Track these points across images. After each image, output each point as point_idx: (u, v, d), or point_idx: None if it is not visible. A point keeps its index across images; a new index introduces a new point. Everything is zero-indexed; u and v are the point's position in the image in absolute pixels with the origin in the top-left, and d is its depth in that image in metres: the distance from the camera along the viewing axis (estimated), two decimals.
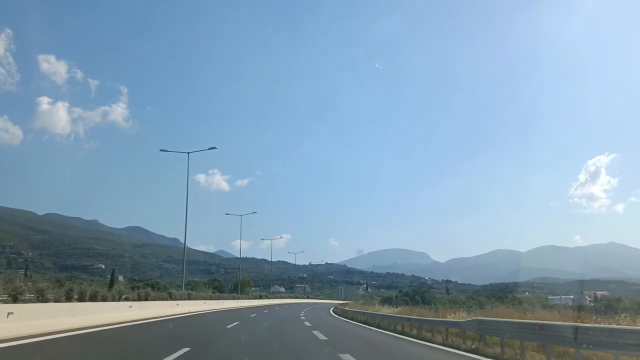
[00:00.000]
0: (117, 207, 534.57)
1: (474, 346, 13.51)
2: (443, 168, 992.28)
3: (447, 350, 13.40)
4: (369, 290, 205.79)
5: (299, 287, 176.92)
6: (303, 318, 30.29)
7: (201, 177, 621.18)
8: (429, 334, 17.24)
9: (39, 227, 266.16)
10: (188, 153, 37.55)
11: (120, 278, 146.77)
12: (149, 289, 26.38)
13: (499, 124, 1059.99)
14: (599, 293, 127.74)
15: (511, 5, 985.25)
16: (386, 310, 34.07)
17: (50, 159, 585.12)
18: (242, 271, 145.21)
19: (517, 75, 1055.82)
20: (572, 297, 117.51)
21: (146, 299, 23.14)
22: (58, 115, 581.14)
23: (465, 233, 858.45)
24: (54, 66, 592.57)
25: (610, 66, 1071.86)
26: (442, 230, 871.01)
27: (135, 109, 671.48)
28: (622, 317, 13.57)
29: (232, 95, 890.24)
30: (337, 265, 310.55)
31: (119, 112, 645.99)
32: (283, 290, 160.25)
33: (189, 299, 33.95)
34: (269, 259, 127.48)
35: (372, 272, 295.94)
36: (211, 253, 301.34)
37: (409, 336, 18.26)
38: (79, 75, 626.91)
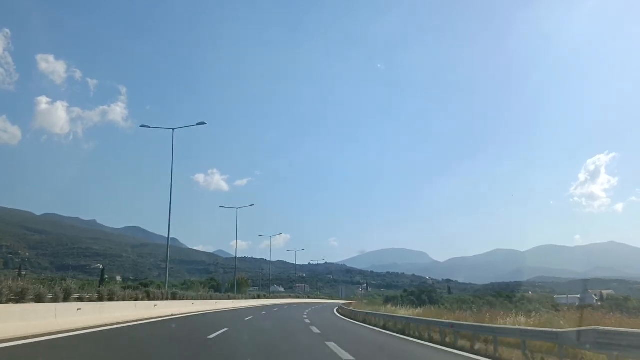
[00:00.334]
0: (115, 207, 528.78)
1: None
2: (442, 168, 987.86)
3: None
4: (369, 289, 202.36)
5: (298, 286, 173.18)
6: (308, 322, 25.35)
7: (200, 177, 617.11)
8: (489, 347, 12.15)
9: (37, 227, 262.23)
10: (173, 129, 32.55)
11: (118, 278, 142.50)
12: (117, 286, 21.27)
13: (499, 123, 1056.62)
14: (604, 292, 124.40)
15: (510, 4, 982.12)
16: (404, 312, 29.10)
17: (49, 159, 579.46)
18: (241, 271, 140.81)
19: (516, 75, 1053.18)
20: (578, 296, 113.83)
21: (111, 299, 17.93)
22: (57, 115, 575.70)
23: (465, 232, 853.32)
24: (52, 66, 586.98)
25: (610, 65, 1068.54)
26: (442, 230, 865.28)
27: (134, 108, 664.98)
28: None
29: (231, 94, 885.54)
30: (337, 265, 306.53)
31: (117, 111, 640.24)
32: (282, 290, 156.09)
33: (175, 298, 28.89)
34: (268, 259, 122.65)
35: (371, 272, 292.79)
36: (210, 253, 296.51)
37: (456, 348, 13.14)
38: (78, 74, 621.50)
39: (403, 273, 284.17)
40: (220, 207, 66.00)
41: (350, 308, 46.19)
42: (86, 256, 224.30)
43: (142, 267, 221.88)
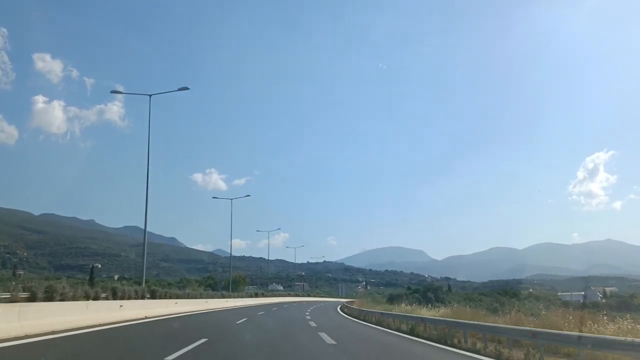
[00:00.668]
0: (114, 207, 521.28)
1: None
2: (441, 166, 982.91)
3: None
4: (368, 287, 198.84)
5: (297, 285, 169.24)
6: (314, 325, 20.49)
7: (198, 177, 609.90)
8: None
9: (35, 227, 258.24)
10: (150, 95, 27.51)
11: (116, 277, 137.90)
12: (64, 283, 16.19)
13: (497, 122, 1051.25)
14: (607, 289, 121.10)
15: (509, 3, 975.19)
16: (427, 313, 24.12)
17: (46, 159, 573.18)
18: (240, 270, 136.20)
19: (515, 74, 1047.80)
20: (582, 293, 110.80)
21: (49, 298, 12.82)
22: (54, 114, 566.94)
23: (463, 231, 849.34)
24: (49, 65, 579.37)
25: (608, 63, 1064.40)
26: (440, 228, 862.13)
27: (132, 107, 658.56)
28: None
29: (230, 94, 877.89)
30: (336, 263, 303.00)
31: (115, 110, 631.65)
32: (281, 288, 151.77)
33: (154, 297, 23.94)
34: (269, 259, 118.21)
35: (370, 270, 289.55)
36: (209, 252, 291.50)
37: None
38: (75, 73, 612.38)
39: (402, 271, 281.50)
40: (214, 197, 60.69)
41: (355, 306, 41.95)
42: (84, 256, 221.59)
43: (140, 267, 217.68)
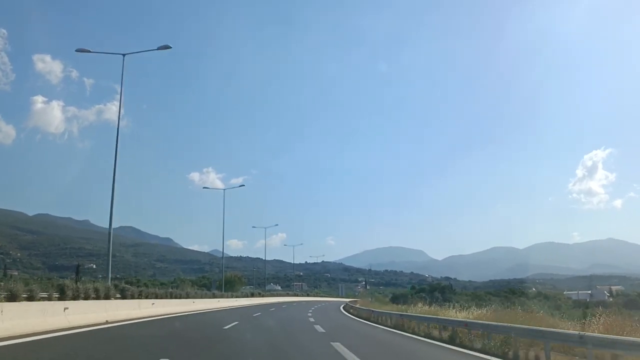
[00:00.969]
0: (109, 207, 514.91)
1: None
2: (439, 166, 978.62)
3: None
4: (368, 287, 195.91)
5: (295, 285, 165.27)
6: (322, 330, 16.74)
7: (195, 176, 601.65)
8: None
9: (29, 228, 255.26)
10: (123, 55, 23.39)
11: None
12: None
13: (496, 121, 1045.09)
14: (613, 288, 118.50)
15: (506, 2, 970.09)
16: (457, 314, 19.84)
17: (43, 159, 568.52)
18: (237, 270, 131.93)
19: (513, 73, 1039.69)
20: (589, 292, 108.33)
21: None
22: (52, 114, 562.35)
23: (463, 230, 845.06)
24: (49, 65, 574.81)
25: (605, 61, 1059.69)
26: (440, 228, 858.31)
27: (131, 107, 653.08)
28: None
29: (228, 92, 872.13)
30: (334, 263, 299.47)
31: (113, 110, 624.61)
32: (279, 288, 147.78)
33: (125, 296, 19.67)
34: (267, 259, 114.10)
35: (369, 270, 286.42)
36: (205, 252, 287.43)
37: None
38: (74, 74, 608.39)
39: (401, 271, 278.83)
40: (204, 187, 56.13)
41: (360, 306, 38.08)
42: (79, 256, 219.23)
43: (135, 267, 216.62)
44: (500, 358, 9.99)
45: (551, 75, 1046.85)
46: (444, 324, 15.24)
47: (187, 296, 31.48)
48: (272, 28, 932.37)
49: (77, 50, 24.23)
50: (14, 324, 10.40)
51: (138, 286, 28.57)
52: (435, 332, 15.27)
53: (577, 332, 8.75)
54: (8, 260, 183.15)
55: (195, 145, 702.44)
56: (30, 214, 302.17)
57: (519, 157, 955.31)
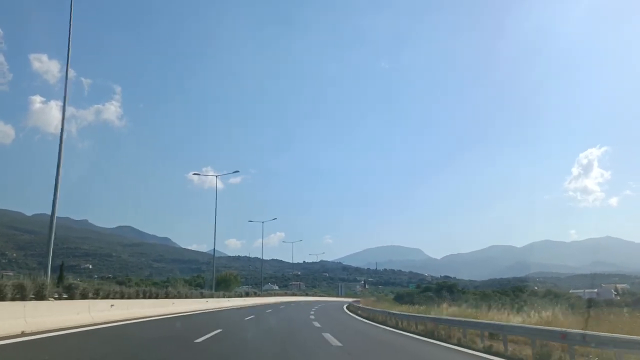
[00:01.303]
0: (108, 207, 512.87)
1: None
2: (437, 165, 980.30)
3: None
4: (367, 287, 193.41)
5: (293, 284, 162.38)
6: (337, 343, 12.92)
7: (194, 176, 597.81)
8: None
9: (26, 227, 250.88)
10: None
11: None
12: None
13: (492, 120, 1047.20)
14: (618, 286, 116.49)
15: (504, 1, 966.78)
16: (518, 320, 16.16)
17: (42, 159, 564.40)
18: (235, 270, 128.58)
19: (510, 72, 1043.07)
20: (595, 290, 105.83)
21: None
22: (50, 114, 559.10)
23: (461, 229, 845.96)
24: (46, 65, 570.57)
25: (602, 59, 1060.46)
26: (437, 227, 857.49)
27: (129, 107, 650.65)
28: None
29: (226, 92, 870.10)
30: (333, 262, 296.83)
31: (112, 110, 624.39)
32: (277, 288, 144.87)
33: (72, 296, 15.99)
34: (265, 258, 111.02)
35: (368, 269, 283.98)
36: (203, 252, 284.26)
37: None
38: (72, 74, 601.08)
39: (400, 270, 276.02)
40: (194, 174, 52.03)
41: (368, 306, 34.70)
42: (75, 256, 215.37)
43: (132, 267, 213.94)
44: None
45: (547, 75, 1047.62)
46: (512, 332, 11.86)
47: (167, 295, 27.07)
48: (271, 28, 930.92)
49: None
50: None
51: (129, 286, 25.58)
52: (500, 347, 11.86)
53: None
54: (4, 261, 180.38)
55: (193, 144, 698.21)
56: (29, 213, 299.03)
57: (515, 155, 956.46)
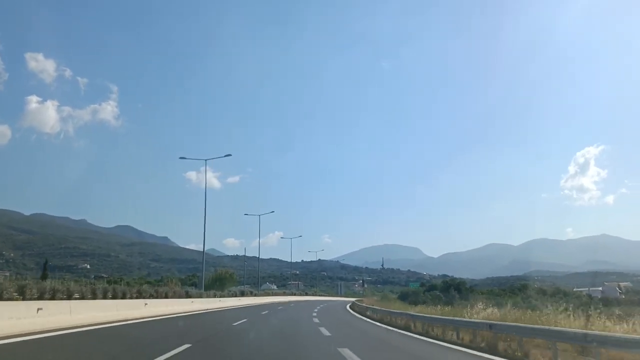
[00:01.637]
0: (106, 207, 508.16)
1: None
2: (434, 163, 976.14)
3: None
4: (365, 286, 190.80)
5: (292, 283, 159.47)
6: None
7: (192, 175, 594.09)
8: None
9: (24, 227, 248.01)
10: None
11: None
12: None
13: (489, 119, 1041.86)
14: (622, 284, 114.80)
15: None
16: (615, 328, 12.31)
17: (39, 158, 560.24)
18: (233, 269, 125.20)
19: (507, 71, 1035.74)
20: (600, 288, 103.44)
21: None
22: (47, 114, 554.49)
23: (458, 228, 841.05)
24: (42, 64, 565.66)
25: (599, 58, 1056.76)
26: (435, 226, 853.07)
27: (126, 106, 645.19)
28: None
29: (224, 91, 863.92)
30: (331, 261, 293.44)
31: (109, 110, 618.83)
32: (275, 287, 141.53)
33: (1, 297, 12.36)
34: (264, 258, 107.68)
35: (366, 268, 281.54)
36: (201, 251, 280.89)
37: None
38: (68, 73, 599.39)
39: (398, 269, 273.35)
40: (181, 158, 47.87)
41: (363, 304, 30.94)
42: (73, 256, 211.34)
43: (130, 267, 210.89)
44: None
45: (545, 73, 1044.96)
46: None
47: (140, 294, 22.39)
48: (269, 27, 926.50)
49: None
50: None
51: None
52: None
53: None
54: (1, 261, 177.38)
55: (192, 144, 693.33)
56: (27, 213, 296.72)
57: (512, 154, 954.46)
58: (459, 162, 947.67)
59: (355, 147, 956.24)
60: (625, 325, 11.12)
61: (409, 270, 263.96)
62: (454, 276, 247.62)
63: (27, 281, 14.38)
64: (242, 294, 52.80)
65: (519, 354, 10.94)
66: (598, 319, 11.80)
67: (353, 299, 71.27)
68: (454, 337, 14.58)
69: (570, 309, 13.48)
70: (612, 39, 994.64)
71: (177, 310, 25.45)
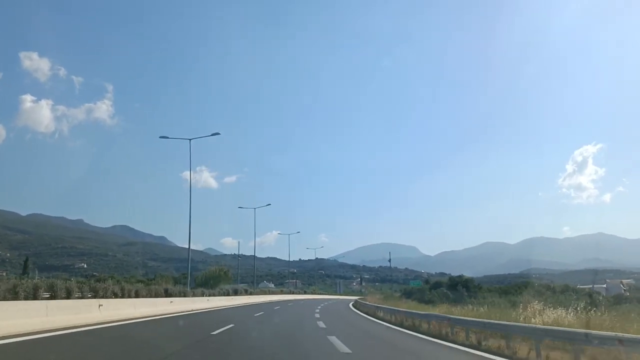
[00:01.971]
0: (103, 206, 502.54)
1: None
2: (431, 162, 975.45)
3: None
4: (363, 284, 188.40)
5: (290, 282, 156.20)
6: None
7: (188, 175, 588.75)
8: None
9: (20, 227, 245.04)
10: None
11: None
12: None
13: (486, 117, 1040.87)
14: (624, 281, 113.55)
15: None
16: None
17: (34, 158, 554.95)
18: (231, 269, 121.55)
19: (504, 69, 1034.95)
20: (604, 286, 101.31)
21: None
22: (41, 113, 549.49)
23: (455, 226, 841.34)
24: (36, 63, 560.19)
25: (596, 56, 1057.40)
26: (432, 224, 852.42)
27: (121, 105, 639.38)
28: None
29: (220, 91, 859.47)
30: (328, 260, 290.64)
31: (104, 109, 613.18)
32: (272, 286, 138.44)
33: None
34: (261, 257, 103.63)
35: (364, 266, 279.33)
36: (199, 251, 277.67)
37: None
38: (62, 72, 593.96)
39: (396, 267, 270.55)
40: (161, 137, 42.80)
41: (366, 302, 27.24)
42: (70, 256, 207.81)
43: (127, 266, 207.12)
44: None
45: (542, 72, 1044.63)
46: None
47: (96, 293, 18.35)
48: (267, 26, 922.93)
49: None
50: None
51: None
52: None
53: None
54: None
55: (189, 144, 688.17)
56: (24, 213, 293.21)
57: (510, 153, 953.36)
58: (456, 160, 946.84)
59: (353, 146, 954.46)
60: None
61: (406, 268, 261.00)
62: (451, 274, 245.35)
63: None
64: (236, 292, 48.87)
65: None
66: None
67: (354, 298, 68.07)
68: (499, 346, 10.53)
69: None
70: (609, 38, 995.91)
71: (146, 313, 20.91)
